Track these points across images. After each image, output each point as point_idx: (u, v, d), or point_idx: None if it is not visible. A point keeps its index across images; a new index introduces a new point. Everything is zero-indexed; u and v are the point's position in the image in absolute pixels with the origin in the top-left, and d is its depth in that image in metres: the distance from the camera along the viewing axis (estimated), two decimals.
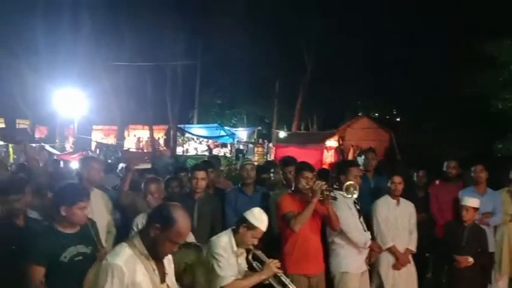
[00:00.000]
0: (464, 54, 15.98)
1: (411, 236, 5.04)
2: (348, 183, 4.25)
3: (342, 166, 4.97)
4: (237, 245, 3.55)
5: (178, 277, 3.20)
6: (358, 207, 4.66)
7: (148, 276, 2.44)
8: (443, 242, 5.11)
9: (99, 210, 4.24)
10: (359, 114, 29.14)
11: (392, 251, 4.93)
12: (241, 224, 3.54)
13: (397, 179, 5.01)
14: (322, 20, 25.61)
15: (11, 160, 16.44)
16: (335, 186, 4.41)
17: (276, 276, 3.58)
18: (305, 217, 4.10)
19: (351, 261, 4.53)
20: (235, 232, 3.57)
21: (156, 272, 2.49)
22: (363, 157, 5.70)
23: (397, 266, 4.92)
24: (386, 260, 4.96)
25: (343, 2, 24.88)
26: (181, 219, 2.45)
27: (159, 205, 2.71)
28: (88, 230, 3.36)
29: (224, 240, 3.55)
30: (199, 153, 25.09)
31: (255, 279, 3.52)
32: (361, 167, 5.19)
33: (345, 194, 4.24)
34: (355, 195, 4.28)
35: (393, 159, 17.29)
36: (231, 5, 24.44)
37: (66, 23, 19.74)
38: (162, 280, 2.54)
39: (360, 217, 4.64)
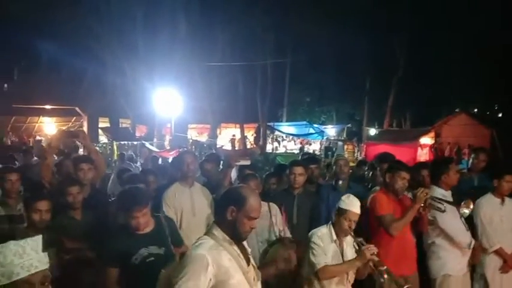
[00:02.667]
0: None
1: None
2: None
3: (441, 164, 4.73)
4: (337, 235, 3.58)
5: (273, 267, 3.28)
6: None
7: (234, 261, 2.46)
8: None
9: (200, 204, 4.34)
10: (456, 110, 27.50)
11: (499, 253, 4.61)
12: (336, 213, 3.59)
13: (510, 177, 4.66)
14: (415, 14, 24.59)
15: (115, 157, 17.74)
16: (439, 191, 4.25)
17: (374, 265, 3.46)
18: (405, 223, 4.02)
19: (453, 263, 4.32)
20: (333, 223, 3.62)
21: (241, 255, 2.53)
22: (472, 156, 5.38)
23: (504, 268, 4.60)
24: (492, 263, 4.64)
25: None
26: (251, 195, 2.53)
27: (226, 190, 2.76)
28: (162, 229, 3.30)
29: (323, 231, 3.60)
30: (288, 150, 25.27)
31: (348, 265, 3.50)
32: (465, 169, 4.91)
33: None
34: (467, 212, 4.06)
35: (495, 158, 16.08)
36: (321, 3, 24.26)
37: (164, 28, 20.84)
38: (248, 263, 2.57)
39: (460, 217, 4.40)
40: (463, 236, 4.31)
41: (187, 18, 21.30)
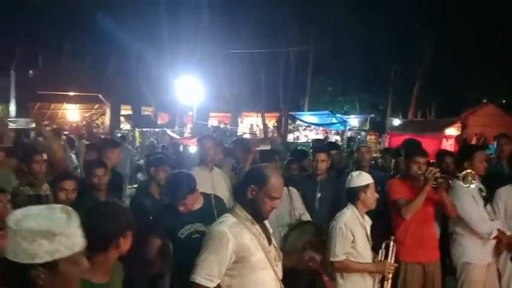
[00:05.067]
0: None
1: None
2: (465, 172, 4.03)
3: (465, 152, 4.63)
4: (362, 215, 3.58)
5: (295, 258, 3.26)
6: (484, 194, 4.33)
7: (255, 240, 2.48)
8: None
9: (220, 188, 4.35)
10: (484, 100, 26.88)
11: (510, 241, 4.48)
12: (356, 195, 3.56)
13: None
14: (442, 3, 24.01)
15: (137, 143, 17.97)
16: (457, 174, 4.17)
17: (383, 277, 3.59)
18: (417, 205, 3.95)
19: (474, 252, 4.26)
20: (354, 204, 3.58)
21: (263, 235, 2.54)
22: (494, 144, 5.27)
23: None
24: (505, 252, 4.54)
25: None
26: (273, 174, 2.54)
27: (248, 170, 2.79)
28: (211, 207, 3.37)
29: (348, 214, 3.57)
30: (309, 140, 25.11)
31: (365, 267, 3.54)
32: (492, 155, 4.81)
33: (462, 184, 4.01)
34: (473, 185, 4.04)
35: None
36: None
37: (187, 15, 20.86)
38: (269, 243, 2.59)
39: (485, 205, 4.30)
40: (483, 224, 4.21)
41: (210, 5, 21.25)
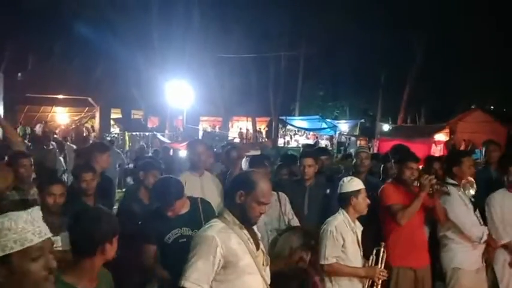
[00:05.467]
0: None
1: None
2: (464, 180, 4.08)
3: (454, 157, 4.67)
4: (353, 220, 3.60)
5: (283, 261, 3.26)
6: (473, 199, 4.36)
7: (243, 245, 2.48)
8: None
9: (210, 193, 4.32)
10: (472, 106, 27.13)
11: (507, 247, 4.53)
12: (348, 200, 3.58)
13: None
14: (432, 10, 24.26)
15: (127, 147, 17.87)
16: (450, 181, 4.22)
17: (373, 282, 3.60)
18: (413, 211, 3.97)
19: (463, 256, 4.27)
20: (346, 209, 3.60)
21: (251, 240, 2.54)
22: (482, 149, 5.35)
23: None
24: (502, 257, 4.57)
25: None
26: (261, 179, 2.55)
27: (236, 176, 2.82)
28: (197, 211, 3.36)
29: (339, 218, 3.59)
30: (300, 145, 25.17)
31: (355, 271, 3.55)
32: (480, 159, 4.87)
33: (462, 191, 4.10)
34: (472, 193, 4.10)
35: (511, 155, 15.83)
36: None
37: (177, 19, 20.86)
38: (257, 248, 2.58)
39: (475, 211, 4.35)
40: (474, 229, 4.24)
41: (200, 9, 21.27)
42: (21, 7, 18.40)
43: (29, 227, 1.60)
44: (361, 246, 3.59)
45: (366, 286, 3.58)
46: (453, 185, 4.17)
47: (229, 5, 22.04)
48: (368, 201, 3.62)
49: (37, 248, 1.60)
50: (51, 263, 1.64)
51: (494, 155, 5.28)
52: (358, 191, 3.57)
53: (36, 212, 1.65)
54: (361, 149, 5.56)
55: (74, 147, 11.34)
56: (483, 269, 4.39)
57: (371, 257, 3.64)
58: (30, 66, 23.35)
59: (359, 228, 3.64)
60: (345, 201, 3.59)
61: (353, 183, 3.60)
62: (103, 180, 4.66)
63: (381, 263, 3.64)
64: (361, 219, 3.70)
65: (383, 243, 3.69)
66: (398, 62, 26.71)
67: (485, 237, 4.25)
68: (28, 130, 22.58)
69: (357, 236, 3.59)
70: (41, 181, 4.00)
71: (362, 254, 3.63)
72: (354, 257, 3.54)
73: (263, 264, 2.58)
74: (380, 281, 3.57)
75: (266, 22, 23.22)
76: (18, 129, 20.47)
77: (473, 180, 4.09)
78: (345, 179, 3.68)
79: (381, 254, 3.65)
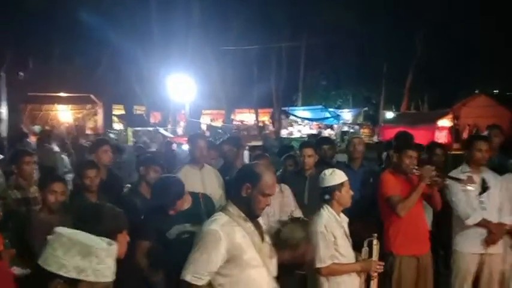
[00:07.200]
0: None
1: None
2: (465, 178, 4.08)
3: (468, 140, 4.69)
4: (338, 214, 3.46)
5: (287, 252, 3.23)
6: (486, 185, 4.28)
7: (248, 237, 2.48)
8: None
9: (211, 186, 4.35)
10: (476, 91, 26.97)
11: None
12: (331, 194, 3.41)
13: None
14: None
15: (129, 143, 17.87)
16: (454, 176, 4.19)
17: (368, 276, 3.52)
18: (412, 203, 3.95)
19: (460, 239, 4.28)
20: (329, 203, 3.44)
21: (256, 232, 2.54)
22: (486, 133, 5.29)
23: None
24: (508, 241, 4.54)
25: None
26: (266, 172, 2.54)
27: (241, 168, 2.81)
28: (199, 207, 3.36)
29: (325, 215, 3.42)
30: (303, 135, 25.13)
31: (351, 267, 3.46)
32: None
33: (468, 187, 4.08)
34: (471, 188, 4.09)
35: None
36: None
37: (178, 13, 20.76)
38: (262, 240, 2.58)
39: (480, 194, 4.23)
40: (468, 209, 4.19)
41: (201, 2, 21.15)
42: (21, 6, 18.35)
43: (110, 262, 1.61)
44: (349, 238, 3.50)
45: (363, 280, 3.52)
46: (455, 179, 4.12)
47: None
48: (352, 192, 3.46)
49: (103, 286, 1.60)
50: None
51: (495, 140, 5.22)
52: (341, 184, 3.39)
53: (115, 250, 1.66)
54: (354, 135, 5.53)
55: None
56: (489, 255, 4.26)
57: (363, 250, 3.51)
58: (31, 65, 23.34)
59: (345, 221, 3.51)
60: (328, 195, 3.43)
61: (335, 176, 3.41)
62: (110, 177, 4.67)
63: (376, 255, 3.51)
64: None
65: (375, 234, 3.53)
66: (400, 50, 26.57)
67: (477, 219, 4.17)
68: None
69: (344, 229, 3.47)
70: (43, 178, 4.00)
71: (351, 244, 3.51)
72: (346, 251, 3.42)
73: (268, 257, 2.58)
74: (376, 274, 3.49)
75: (267, 13, 23.11)
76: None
77: (473, 178, 4.09)
78: (326, 172, 3.47)
79: (374, 246, 3.51)
